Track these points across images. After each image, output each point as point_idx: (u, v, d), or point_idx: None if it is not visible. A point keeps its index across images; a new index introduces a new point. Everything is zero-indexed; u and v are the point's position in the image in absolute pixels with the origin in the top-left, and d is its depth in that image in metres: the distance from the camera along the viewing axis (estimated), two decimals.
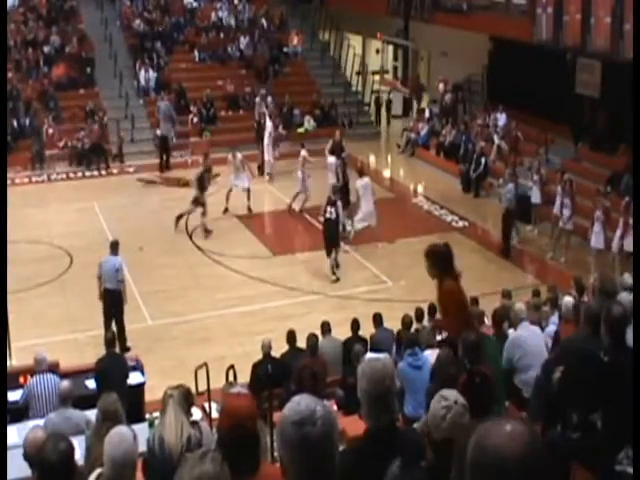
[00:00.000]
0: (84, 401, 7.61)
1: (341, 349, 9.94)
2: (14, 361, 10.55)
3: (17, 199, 18.02)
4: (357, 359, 8.33)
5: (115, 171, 22.13)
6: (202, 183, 16.95)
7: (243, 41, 27.22)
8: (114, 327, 11.48)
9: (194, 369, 8.98)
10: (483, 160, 20.10)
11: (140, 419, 7.72)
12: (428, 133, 23.62)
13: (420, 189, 20.86)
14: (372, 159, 23.64)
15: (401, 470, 3.06)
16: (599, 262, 14.56)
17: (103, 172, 21.99)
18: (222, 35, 27.49)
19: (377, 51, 29.44)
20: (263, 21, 28.42)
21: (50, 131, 22.45)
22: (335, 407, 8.21)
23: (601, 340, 4.81)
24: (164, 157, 22.03)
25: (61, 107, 23.75)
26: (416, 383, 7.48)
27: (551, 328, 8.63)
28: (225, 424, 2.96)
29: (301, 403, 2.30)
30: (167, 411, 5.33)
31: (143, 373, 9.61)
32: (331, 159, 17.72)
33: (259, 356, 9.56)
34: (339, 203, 14.87)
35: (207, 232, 16.78)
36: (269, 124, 21.20)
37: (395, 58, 27.33)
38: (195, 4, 28.93)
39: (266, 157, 20.99)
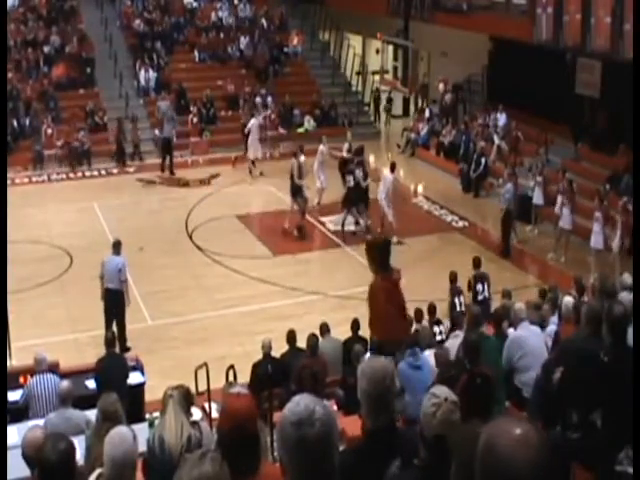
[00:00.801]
0: (84, 401, 7.60)
1: (341, 349, 9.93)
2: (14, 361, 10.54)
3: (17, 199, 18.02)
4: (357, 359, 8.34)
5: (115, 171, 22.14)
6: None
7: (243, 41, 27.23)
8: (115, 327, 11.49)
9: (194, 369, 8.96)
10: (483, 160, 20.08)
11: (140, 419, 7.71)
12: (428, 133, 23.63)
13: (420, 189, 20.85)
14: (372, 159, 23.61)
15: (401, 470, 3.06)
16: (599, 262, 14.57)
17: (103, 172, 21.99)
18: (222, 35, 27.50)
19: (377, 51, 29.46)
20: (263, 21, 28.44)
21: (49, 131, 22.45)
22: (335, 407, 8.19)
23: (601, 340, 4.81)
24: (167, 160, 21.44)
25: (61, 107, 23.75)
26: (416, 383, 7.47)
27: (551, 328, 8.63)
28: (225, 424, 2.95)
29: (300, 404, 2.30)
30: (167, 411, 5.32)
31: (143, 373, 9.61)
32: (388, 175, 17.14)
33: (259, 356, 9.55)
34: (357, 171, 16.93)
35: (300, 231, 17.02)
36: (253, 121, 21.25)
37: (395, 58, 27.37)
38: (195, 4, 28.92)
39: (251, 156, 21.17)
